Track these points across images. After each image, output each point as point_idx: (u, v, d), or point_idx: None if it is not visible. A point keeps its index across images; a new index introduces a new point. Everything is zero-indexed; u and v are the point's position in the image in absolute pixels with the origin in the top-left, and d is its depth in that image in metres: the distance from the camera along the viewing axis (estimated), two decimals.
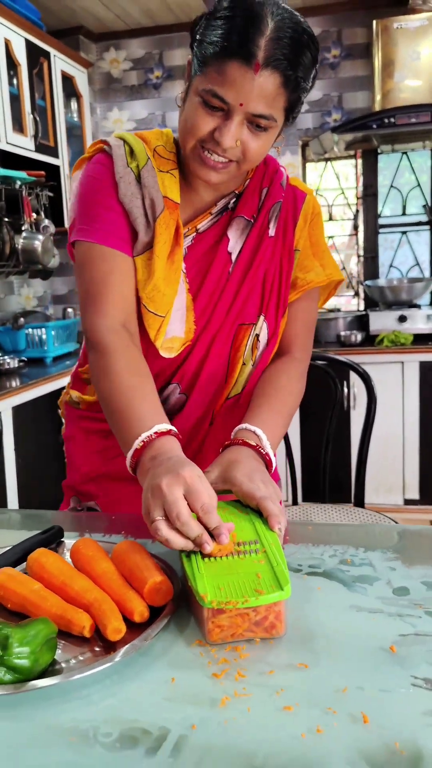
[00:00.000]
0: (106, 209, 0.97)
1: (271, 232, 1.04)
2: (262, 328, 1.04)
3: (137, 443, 0.82)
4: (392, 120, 3.14)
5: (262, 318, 1.04)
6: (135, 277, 0.98)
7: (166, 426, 0.84)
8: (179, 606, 0.74)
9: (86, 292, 0.97)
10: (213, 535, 0.71)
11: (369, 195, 3.79)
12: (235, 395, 1.07)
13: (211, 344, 1.03)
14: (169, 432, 0.84)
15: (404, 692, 0.59)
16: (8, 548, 0.87)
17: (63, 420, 1.23)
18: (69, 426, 1.19)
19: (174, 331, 1.00)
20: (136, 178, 0.98)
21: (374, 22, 3.34)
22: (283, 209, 1.06)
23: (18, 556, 0.84)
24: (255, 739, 0.54)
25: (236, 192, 1.04)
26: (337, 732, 0.55)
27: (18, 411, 2.57)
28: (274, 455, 0.94)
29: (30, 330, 3.22)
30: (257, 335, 1.04)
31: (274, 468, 0.93)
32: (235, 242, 1.03)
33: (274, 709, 0.58)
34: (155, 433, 0.82)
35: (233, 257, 1.02)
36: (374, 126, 3.18)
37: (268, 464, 0.91)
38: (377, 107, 3.33)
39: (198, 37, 0.89)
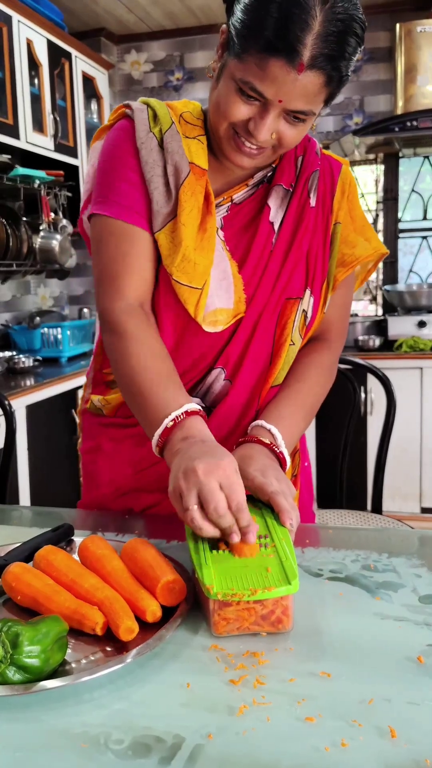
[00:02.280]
0: (124, 181, 0.93)
1: (312, 202, 1.00)
2: (309, 303, 1.00)
3: (167, 422, 0.80)
4: (415, 123, 3.10)
5: (308, 292, 0.99)
6: (156, 253, 0.94)
7: (195, 406, 0.82)
8: (192, 606, 0.71)
9: (103, 271, 0.94)
10: (241, 531, 0.71)
11: (389, 199, 3.75)
12: (278, 384, 1.01)
13: (258, 321, 0.97)
14: (198, 412, 0.82)
15: None
16: (17, 545, 0.84)
17: (80, 432, 1.14)
18: (90, 437, 1.10)
19: (217, 302, 0.94)
20: (159, 144, 0.93)
21: (397, 25, 3.32)
22: (321, 179, 1.01)
23: (26, 554, 0.82)
24: (275, 751, 0.51)
25: (273, 165, 1.00)
26: (362, 746, 0.52)
27: (32, 410, 2.57)
28: (290, 454, 0.92)
29: (46, 329, 3.22)
30: (305, 311, 1.00)
31: (288, 466, 0.90)
32: (275, 211, 0.98)
33: (296, 720, 0.55)
34: (185, 412, 0.80)
35: (275, 227, 0.98)
36: (396, 129, 3.15)
37: (282, 462, 0.88)
38: (399, 111, 3.30)
39: (235, 11, 0.81)
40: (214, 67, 0.89)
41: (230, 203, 0.98)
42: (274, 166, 1.00)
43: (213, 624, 0.66)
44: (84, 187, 1.02)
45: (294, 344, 1.00)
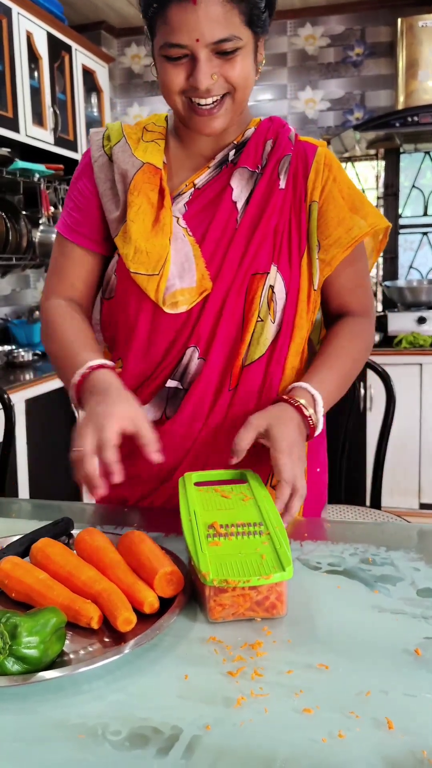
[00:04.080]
0: (75, 203, 1.05)
1: (282, 184, 1.01)
2: (276, 279, 1.00)
3: (75, 378, 0.90)
4: (415, 118, 3.09)
5: (274, 268, 1.00)
6: (93, 267, 1.06)
7: (99, 360, 0.91)
8: (190, 598, 0.71)
9: (48, 273, 1.09)
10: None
11: (390, 195, 3.74)
12: (257, 359, 1.00)
13: (226, 297, 0.99)
14: (102, 366, 0.90)
15: (430, 697, 0.56)
16: (15, 538, 0.84)
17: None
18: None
19: (178, 284, 0.97)
20: (109, 158, 1.03)
21: (399, 20, 3.30)
22: (293, 162, 1.03)
23: (24, 547, 0.82)
24: (272, 743, 0.51)
25: (235, 142, 1.02)
26: (360, 737, 0.52)
27: (31, 403, 2.56)
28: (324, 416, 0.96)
29: None
30: (272, 287, 1.00)
31: (318, 431, 0.94)
32: (240, 192, 1.00)
33: (293, 711, 0.55)
34: (89, 367, 0.89)
35: (239, 206, 1.00)
36: (397, 124, 3.14)
37: (310, 432, 0.93)
38: (400, 107, 3.28)
39: (141, 9, 0.94)
40: (154, 65, 0.95)
41: (193, 189, 1.01)
42: (236, 143, 1.02)
43: (208, 610, 0.68)
44: None
45: (262, 320, 1.00)
